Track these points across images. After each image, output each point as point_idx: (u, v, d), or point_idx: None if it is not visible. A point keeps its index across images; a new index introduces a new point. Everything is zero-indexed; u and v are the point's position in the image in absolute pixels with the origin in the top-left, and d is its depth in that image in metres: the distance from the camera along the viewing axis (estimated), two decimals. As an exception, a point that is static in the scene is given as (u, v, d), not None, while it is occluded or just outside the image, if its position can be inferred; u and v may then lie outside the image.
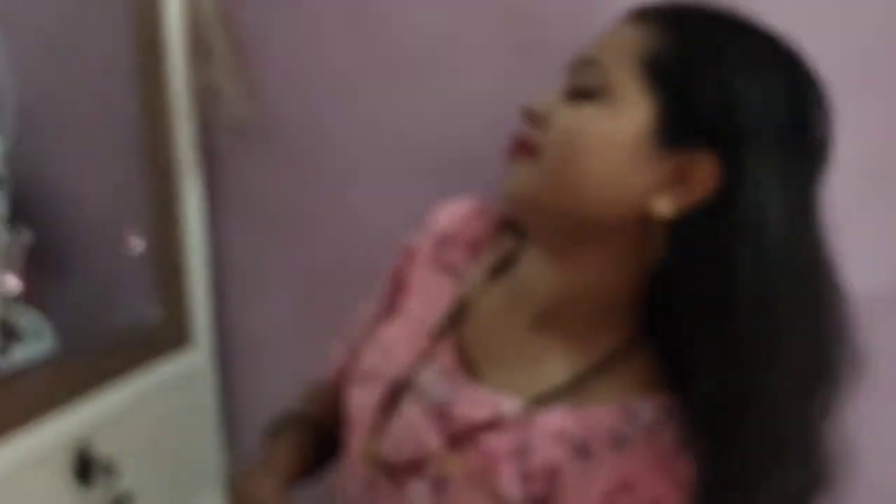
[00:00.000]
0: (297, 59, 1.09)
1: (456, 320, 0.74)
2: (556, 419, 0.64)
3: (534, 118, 0.66)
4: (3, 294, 0.89)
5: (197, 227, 1.16)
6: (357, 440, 0.74)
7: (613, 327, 0.68)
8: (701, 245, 0.60)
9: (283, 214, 1.15)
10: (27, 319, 0.93)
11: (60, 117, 0.96)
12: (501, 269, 0.75)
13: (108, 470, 1.04)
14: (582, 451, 0.63)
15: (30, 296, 0.93)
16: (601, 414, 0.63)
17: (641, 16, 0.65)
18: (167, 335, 1.13)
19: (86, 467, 1.03)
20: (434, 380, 0.70)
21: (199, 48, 1.10)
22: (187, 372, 1.18)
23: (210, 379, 1.23)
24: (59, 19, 0.95)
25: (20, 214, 0.90)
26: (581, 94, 0.64)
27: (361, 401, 0.75)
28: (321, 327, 0.96)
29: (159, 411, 1.14)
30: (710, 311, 0.59)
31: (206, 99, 1.12)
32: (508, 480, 0.63)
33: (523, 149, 0.66)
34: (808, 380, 0.60)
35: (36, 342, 0.95)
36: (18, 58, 0.89)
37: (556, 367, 0.68)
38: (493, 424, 0.65)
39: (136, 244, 1.07)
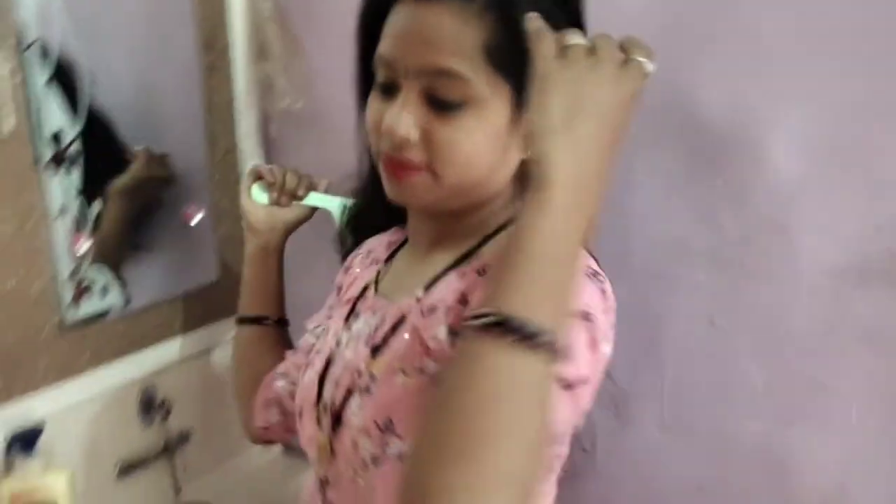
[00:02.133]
0: (347, 53, 1.18)
1: (375, 283, 0.81)
2: (448, 285, 0.71)
3: (403, 143, 0.68)
4: (76, 253, 1.03)
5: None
6: (307, 417, 0.80)
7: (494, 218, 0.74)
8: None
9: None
10: (97, 276, 1.07)
11: (135, 106, 1.09)
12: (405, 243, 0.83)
13: (168, 410, 1.18)
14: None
15: (101, 256, 1.07)
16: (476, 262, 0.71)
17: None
18: (225, 298, 1.26)
19: (149, 406, 1.17)
20: (359, 323, 0.78)
21: (258, 47, 1.21)
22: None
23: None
24: (134, 20, 1.07)
25: (95, 186, 1.04)
26: (446, 105, 0.66)
27: (308, 379, 0.81)
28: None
29: (217, 363, 1.27)
30: None
31: (263, 92, 1.22)
32: (427, 331, 0.69)
33: (408, 167, 0.69)
34: None
35: (104, 298, 1.08)
36: (97, 53, 1.02)
37: (447, 257, 0.74)
38: (402, 319, 0.72)
39: (200, 216, 1.19)
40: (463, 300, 0.69)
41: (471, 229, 0.74)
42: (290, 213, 0.99)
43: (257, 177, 0.98)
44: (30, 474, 0.98)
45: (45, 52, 0.95)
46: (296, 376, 0.92)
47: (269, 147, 1.26)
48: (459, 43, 0.65)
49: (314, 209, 0.99)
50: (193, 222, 1.19)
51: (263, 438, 1.01)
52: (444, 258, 0.75)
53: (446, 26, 0.65)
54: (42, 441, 0.99)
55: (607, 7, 0.88)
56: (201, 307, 1.23)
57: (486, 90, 0.66)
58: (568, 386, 0.61)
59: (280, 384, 0.94)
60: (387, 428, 0.69)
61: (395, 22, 0.68)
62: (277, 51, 1.19)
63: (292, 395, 0.92)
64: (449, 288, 0.71)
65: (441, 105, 0.67)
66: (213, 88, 1.18)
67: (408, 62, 0.67)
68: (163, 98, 1.13)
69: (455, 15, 0.65)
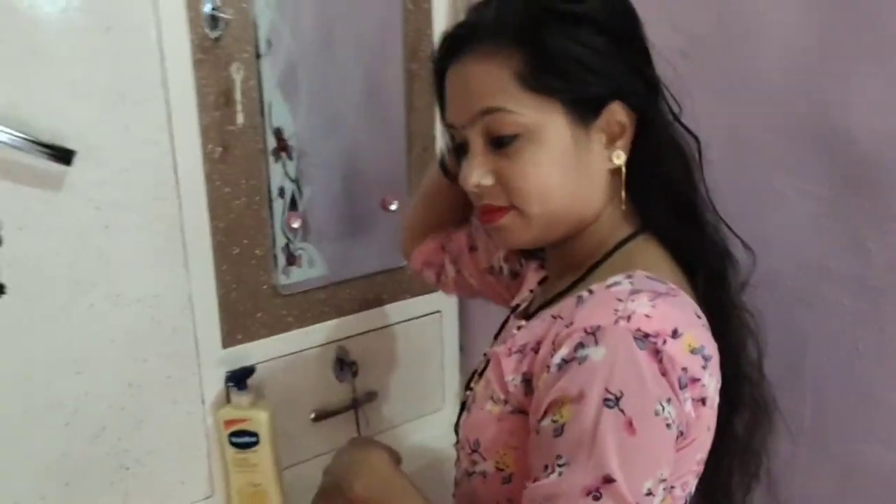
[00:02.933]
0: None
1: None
2: (536, 325, 0.75)
3: (484, 191, 0.75)
4: (289, 229, 1.22)
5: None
6: None
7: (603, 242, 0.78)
8: (644, 154, 0.75)
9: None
10: (305, 251, 1.26)
11: (346, 106, 1.26)
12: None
13: (355, 372, 1.36)
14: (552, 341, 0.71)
15: (308, 234, 1.25)
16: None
17: (475, 42, 0.72)
18: (414, 279, 1.40)
19: (342, 365, 1.35)
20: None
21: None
22: (435, 307, 1.45)
23: (452, 315, 1.49)
24: (350, 34, 1.24)
25: (306, 175, 1.23)
26: (502, 142, 0.72)
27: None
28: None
29: (407, 334, 1.42)
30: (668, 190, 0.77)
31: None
32: (507, 371, 0.74)
33: (497, 211, 0.75)
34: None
35: (310, 269, 1.27)
36: (317, 62, 1.21)
37: (562, 287, 0.79)
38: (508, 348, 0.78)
39: (395, 204, 1.35)
40: (536, 348, 0.72)
41: (583, 255, 0.79)
42: None
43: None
44: (240, 406, 1.18)
45: (274, 63, 1.15)
46: (462, 266, 1.04)
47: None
48: (492, 80, 0.71)
49: None
50: (392, 208, 1.35)
51: (417, 272, 1.12)
52: (559, 288, 0.80)
53: (478, 72, 0.72)
54: (252, 381, 1.20)
55: (759, 30, 0.90)
56: (392, 286, 1.39)
57: (534, 115, 0.71)
58: (599, 485, 0.62)
59: (448, 263, 1.05)
60: (474, 449, 0.77)
61: (446, 88, 0.77)
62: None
63: (456, 283, 1.06)
64: (533, 331, 0.75)
65: (500, 143, 0.72)
66: (415, 93, 1.33)
67: (462, 118, 0.75)
68: (372, 101, 1.29)
69: (480, 59, 0.72)
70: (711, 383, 0.70)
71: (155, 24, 1.03)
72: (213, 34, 1.08)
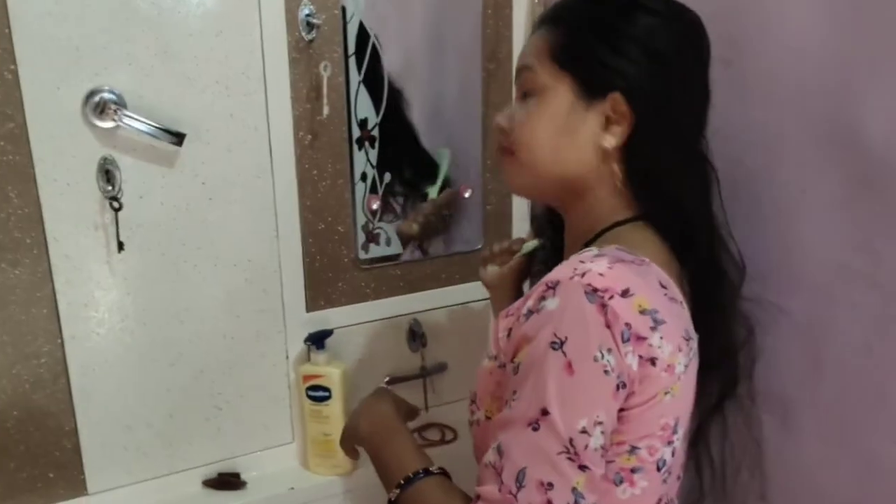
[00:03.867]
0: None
1: None
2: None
3: (501, 130, 0.90)
4: (368, 210, 1.36)
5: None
6: None
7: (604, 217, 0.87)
8: (641, 151, 0.83)
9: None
10: (383, 230, 1.40)
11: (427, 103, 1.39)
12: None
13: (426, 343, 1.48)
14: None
15: (386, 215, 1.39)
16: None
17: (539, 24, 0.89)
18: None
19: (414, 336, 1.48)
20: None
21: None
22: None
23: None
24: (434, 36, 1.36)
25: (386, 162, 1.36)
26: (525, 95, 0.87)
27: None
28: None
29: (475, 313, 1.53)
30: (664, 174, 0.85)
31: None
32: (501, 329, 0.84)
33: (504, 152, 0.90)
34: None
35: (387, 247, 1.41)
36: (399, 61, 1.34)
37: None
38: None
39: (469, 192, 1.46)
40: (521, 307, 0.81)
41: (581, 232, 0.89)
42: (508, 268, 1.14)
43: (485, 261, 1.19)
44: (317, 363, 1.34)
45: (360, 62, 1.29)
46: None
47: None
48: (535, 48, 0.87)
49: (527, 258, 1.14)
50: (466, 195, 1.46)
51: None
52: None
53: (533, 41, 0.89)
54: (329, 342, 1.35)
55: (782, 37, 0.95)
56: (464, 267, 1.50)
57: (548, 79, 0.84)
58: (538, 417, 0.71)
59: None
60: (472, 400, 0.89)
61: None
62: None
63: None
64: (526, 297, 0.82)
65: (524, 96, 0.87)
66: (493, 91, 1.44)
67: (517, 74, 0.90)
68: (450, 98, 1.41)
69: (539, 34, 0.87)
70: (665, 346, 0.75)
71: (258, 27, 1.20)
72: (308, 36, 1.23)
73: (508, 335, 0.81)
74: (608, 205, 0.87)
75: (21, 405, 1.16)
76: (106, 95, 1.11)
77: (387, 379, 1.47)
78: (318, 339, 1.33)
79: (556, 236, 1.00)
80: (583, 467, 0.72)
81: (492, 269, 1.17)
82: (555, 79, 0.84)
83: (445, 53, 1.39)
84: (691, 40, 0.86)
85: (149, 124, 1.13)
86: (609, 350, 0.72)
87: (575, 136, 0.84)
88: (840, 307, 0.94)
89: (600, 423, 0.72)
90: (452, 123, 1.42)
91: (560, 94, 0.84)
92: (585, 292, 0.73)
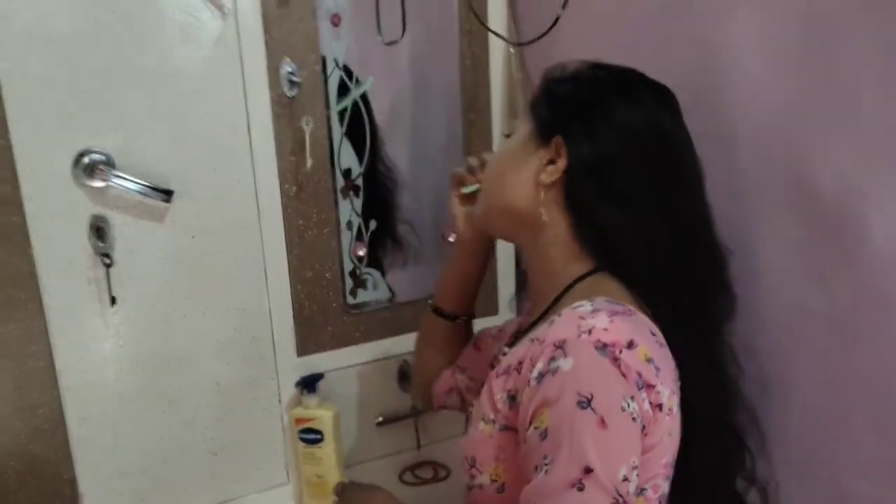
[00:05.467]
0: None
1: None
2: (519, 349, 0.85)
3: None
4: (355, 257, 1.38)
5: (505, 231, 1.53)
6: None
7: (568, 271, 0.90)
8: (577, 185, 0.88)
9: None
10: (370, 275, 1.41)
11: (409, 152, 1.41)
12: None
13: (416, 383, 1.49)
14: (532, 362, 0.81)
15: (373, 260, 1.41)
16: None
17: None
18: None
19: (404, 377, 1.48)
20: None
21: (509, 107, 1.45)
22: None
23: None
24: (412, 89, 1.39)
25: (371, 209, 1.39)
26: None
27: None
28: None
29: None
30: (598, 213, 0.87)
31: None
32: (496, 391, 0.85)
33: None
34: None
35: (375, 291, 1.43)
36: (382, 113, 1.37)
37: (534, 317, 0.93)
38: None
39: (453, 236, 1.47)
40: (518, 368, 0.82)
41: (546, 288, 0.91)
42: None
43: (460, 181, 1.12)
44: (309, 406, 1.35)
45: (342, 116, 1.32)
46: (472, 371, 1.14)
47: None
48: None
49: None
50: (451, 239, 1.47)
51: (438, 410, 1.24)
52: (535, 318, 0.92)
53: None
54: (321, 386, 1.36)
55: (744, 86, 0.96)
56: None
57: (519, 125, 0.96)
58: (581, 476, 0.71)
59: (460, 377, 1.16)
60: (472, 464, 0.88)
61: None
62: (523, 110, 1.42)
63: (468, 389, 1.14)
64: (517, 354, 0.85)
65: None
66: (472, 139, 1.46)
67: None
68: (431, 146, 1.44)
69: None
70: (665, 391, 0.79)
71: (241, 86, 1.23)
72: (290, 93, 1.26)
73: (510, 398, 0.82)
74: (562, 258, 0.90)
75: (20, 455, 1.18)
76: (95, 157, 1.14)
77: (379, 419, 1.47)
78: (309, 383, 1.35)
79: None
80: None
81: (470, 189, 1.09)
82: (524, 123, 0.94)
83: (426, 104, 1.42)
84: (650, 123, 0.88)
85: (138, 183, 1.16)
86: (632, 398, 0.75)
87: (521, 166, 0.91)
88: (804, 345, 0.94)
89: (636, 467, 0.74)
90: (435, 172, 1.45)
91: (521, 133, 0.94)
92: (596, 348, 0.75)
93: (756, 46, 0.94)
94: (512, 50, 1.42)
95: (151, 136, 1.18)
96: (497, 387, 0.85)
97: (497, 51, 1.44)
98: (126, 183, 1.15)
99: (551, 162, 0.88)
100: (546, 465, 0.73)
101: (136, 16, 1.14)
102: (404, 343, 1.47)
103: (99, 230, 1.16)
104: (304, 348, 1.38)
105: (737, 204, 0.99)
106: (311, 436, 1.35)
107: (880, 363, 0.85)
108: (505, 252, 1.55)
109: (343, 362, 1.42)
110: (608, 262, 0.88)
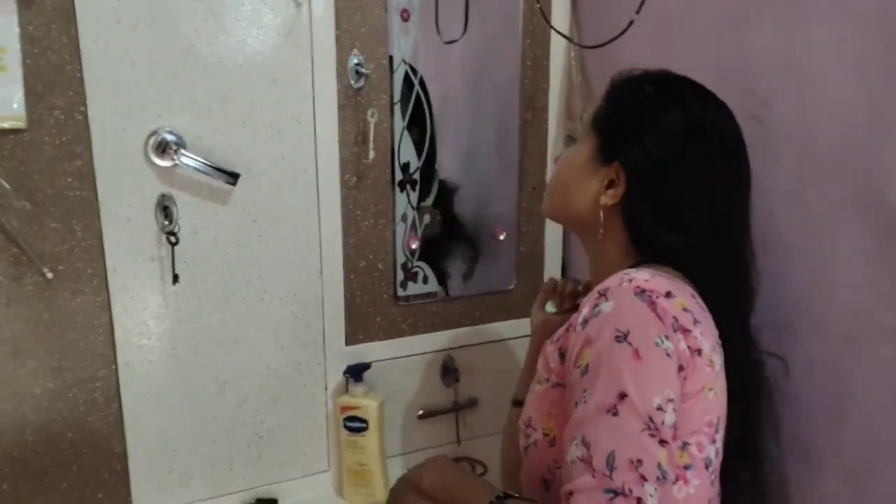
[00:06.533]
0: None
1: None
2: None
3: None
4: (408, 249, 1.39)
5: (554, 230, 1.54)
6: None
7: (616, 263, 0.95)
8: (638, 216, 0.93)
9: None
10: (420, 269, 1.42)
11: (467, 148, 1.42)
12: None
13: (459, 379, 1.49)
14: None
15: (425, 254, 1.41)
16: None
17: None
18: (519, 302, 1.53)
19: (447, 372, 1.49)
20: None
21: (566, 109, 1.46)
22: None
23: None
24: (476, 86, 1.40)
25: (426, 203, 1.39)
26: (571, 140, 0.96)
27: None
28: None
29: (508, 351, 1.54)
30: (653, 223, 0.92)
31: (566, 144, 1.47)
32: (549, 354, 0.92)
33: None
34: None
35: (425, 285, 1.43)
36: (445, 111, 1.38)
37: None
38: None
39: (504, 235, 1.48)
40: (568, 329, 0.90)
41: (603, 272, 0.93)
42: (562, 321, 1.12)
43: (551, 290, 1.21)
44: (355, 395, 1.35)
45: (404, 109, 1.33)
46: None
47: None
48: (592, 110, 1.01)
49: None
50: (501, 237, 1.48)
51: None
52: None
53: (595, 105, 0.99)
54: (367, 375, 1.37)
55: (818, 98, 0.96)
56: (498, 306, 1.52)
57: (584, 135, 0.99)
58: (616, 402, 0.76)
59: None
60: (528, 424, 0.93)
61: None
62: (579, 113, 1.43)
63: None
64: (568, 320, 0.92)
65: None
66: (529, 138, 1.47)
67: None
68: (490, 144, 1.44)
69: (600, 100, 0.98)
70: (705, 342, 0.83)
71: (311, 76, 1.24)
72: (356, 84, 1.27)
73: (560, 356, 0.88)
74: (619, 252, 0.95)
75: (76, 427, 1.19)
76: (167, 136, 1.15)
77: (420, 412, 1.48)
78: (356, 372, 1.35)
79: None
80: (663, 442, 0.76)
81: (549, 309, 1.19)
82: (588, 135, 0.98)
83: (485, 102, 1.42)
84: (710, 138, 0.92)
85: (206, 164, 1.17)
86: (666, 336, 0.79)
87: (585, 181, 0.96)
88: (866, 357, 0.94)
89: (671, 399, 0.78)
90: (490, 168, 1.45)
91: (586, 147, 0.97)
92: (635, 293, 0.81)
93: (832, 54, 0.94)
94: (573, 53, 1.43)
95: (221, 120, 1.20)
96: (550, 350, 0.92)
97: (558, 53, 1.44)
98: (195, 163, 1.16)
99: (611, 184, 0.94)
100: (585, 396, 0.79)
101: (214, 2, 1.16)
102: (450, 338, 1.48)
103: (166, 209, 1.18)
104: (352, 337, 1.39)
105: (807, 211, 0.99)
106: (355, 424, 1.35)
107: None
108: (552, 231, 1.56)
109: (390, 353, 1.42)
110: (659, 258, 0.92)
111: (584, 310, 0.84)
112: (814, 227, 0.98)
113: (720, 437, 0.87)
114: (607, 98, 0.98)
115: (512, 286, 1.52)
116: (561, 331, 0.93)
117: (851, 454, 0.97)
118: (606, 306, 0.81)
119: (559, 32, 1.32)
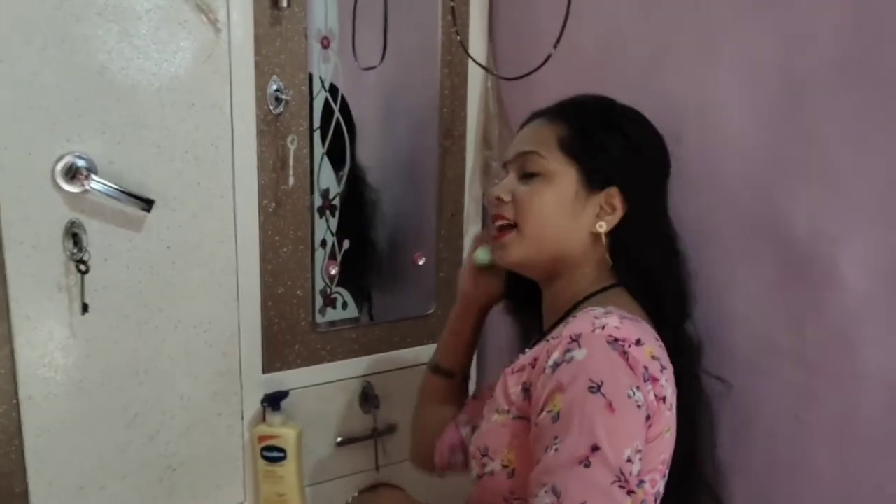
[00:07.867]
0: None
1: None
2: (535, 350, 0.90)
3: (500, 206, 0.96)
4: (327, 275, 1.38)
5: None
6: None
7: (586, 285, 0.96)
8: (628, 237, 0.94)
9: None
10: (339, 294, 1.41)
11: (386, 174, 1.43)
12: None
13: (378, 405, 1.48)
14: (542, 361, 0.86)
15: (343, 280, 1.41)
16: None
17: (545, 115, 0.98)
18: (438, 327, 1.53)
19: (366, 398, 1.48)
20: None
21: (483, 137, 1.49)
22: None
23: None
24: (393, 116, 1.41)
25: (345, 229, 1.39)
26: (528, 176, 0.95)
27: None
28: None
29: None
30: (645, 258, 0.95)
31: (483, 172, 1.50)
32: (510, 385, 0.90)
33: (505, 228, 0.97)
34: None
35: (343, 311, 1.42)
36: (362, 138, 1.38)
37: (548, 325, 0.98)
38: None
39: (423, 260, 1.49)
40: (533, 364, 0.88)
41: (568, 297, 0.95)
42: (496, 286, 1.11)
43: (481, 241, 1.13)
44: (273, 424, 1.33)
45: (324, 135, 1.32)
46: (476, 421, 1.12)
47: (486, 214, 1.53)
48: (540, 136, 0.96)
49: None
50: (420, 262, 1.49)
51: (440, 471, 1.16)
52: (547, 326, 0.97)
53: (536, 129, 0.97)
54: (285, 404, 1.34)
55: (728, 131, 1.02)
56: (417, 331, 1.52)
57: (556, 167, 0.93)
58: (588, 454, 0.77)
59: (464, 430, 1.12)
60: (484, 453, 0.92)
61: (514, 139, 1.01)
62: (496, 142, 1.46)
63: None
64: (532, 353, 0.90)
65: (525, 176, 0.95)
66: (448, 165, 1.49)
67: (511, 155, 0.98)
68: (408, 171, 1.45)
69: (542, 124, 0.97)
70: (668, 388, 0.86)
71: (229, 101, 1.22)
72: (276, 111, 1.26)
73: (524, 391, 0.87)
74: (590, 278, 0.95)
75: (-29, 466, 1.12)
76: (76, 161, 1.11)
77: (339, 439, 1.46)
78: (274, 401, 1.33)
79: (528, 306, 1.07)
80: (630, 493, 0.78)
81: (483, 258, 1.07)
82: (563, 166, 0.93)
83: (405, 129, 1.43)
84: (663, 147, 0.99)
85: (118, 189, 1.13)
86: (637, 388, 0.81)
87: (576, 218, 0.93)
88: (770, 380, 1.00)
89: (639, 451, 0.80)
90: (410, 194, 1.46)
91: (567, 180, 0.93)
92: (608, 342, 0.81)
93: (735, 101, 1.00)
94: (489, 83, 1.46)
95: (136, 145, 1.16)
96: (512, 381, 0.91)
97: (475, 82, 1.47)
98: (106, 189, 1.12)
99: (602, 209, 0.93)
100: (556, 444, 0.79)
101: (129, 25, 1.12)
102: (369, 364, 1.47)
103: (75, 236, 1.13)
104: (270, 365, 1.36)
105: (713, 244, 1.04)
106: (273, 454, 1.33)
107: (843, 399, 0.91)
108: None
109: (308, 381, 1.40)
110: (631, 278, 0.94)
111: (555, 354, 0.83)
112: (723, 257, 1.03)
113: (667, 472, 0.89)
114: (569, 121, 0.95)
115: (431, 311, 1.53)
116: (523, 360, 0.91)
117: (759, 476, 1.02)
118: (579, 353, 0.81)
119: (477, 62, 1.35)
